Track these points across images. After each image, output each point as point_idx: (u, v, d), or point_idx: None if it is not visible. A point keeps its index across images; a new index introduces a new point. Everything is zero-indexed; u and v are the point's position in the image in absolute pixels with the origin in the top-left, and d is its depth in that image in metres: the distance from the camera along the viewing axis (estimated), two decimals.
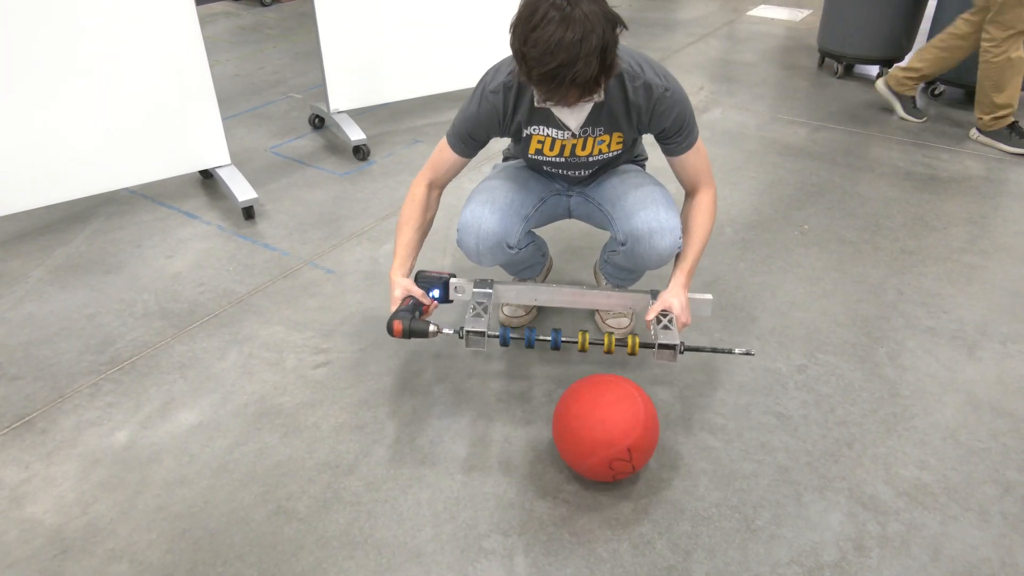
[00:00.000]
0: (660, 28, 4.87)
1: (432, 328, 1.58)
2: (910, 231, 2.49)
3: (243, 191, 2.54)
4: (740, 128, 3.31)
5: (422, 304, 1.67)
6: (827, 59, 4.08)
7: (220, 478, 1.55)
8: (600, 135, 1.61)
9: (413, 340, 1.84)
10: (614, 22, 1.29)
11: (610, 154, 1.67)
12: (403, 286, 1.65)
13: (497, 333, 1.62)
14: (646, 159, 1.88)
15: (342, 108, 3.09)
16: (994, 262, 2.31)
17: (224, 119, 2.62)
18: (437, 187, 1.73)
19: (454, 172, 1.71)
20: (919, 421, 1.70)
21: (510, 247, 1.69)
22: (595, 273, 2.14)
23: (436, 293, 1.73)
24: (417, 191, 1.70)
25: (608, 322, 1.97)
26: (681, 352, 1.54)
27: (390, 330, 1.58)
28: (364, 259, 2.33)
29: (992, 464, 1.59)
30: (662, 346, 1.54)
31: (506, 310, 2.02)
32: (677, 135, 1.59)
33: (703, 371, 1.85)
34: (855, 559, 1.39)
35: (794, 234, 2.47)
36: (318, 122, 3.31)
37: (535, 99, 1.42)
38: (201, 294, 2.16)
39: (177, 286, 2.19)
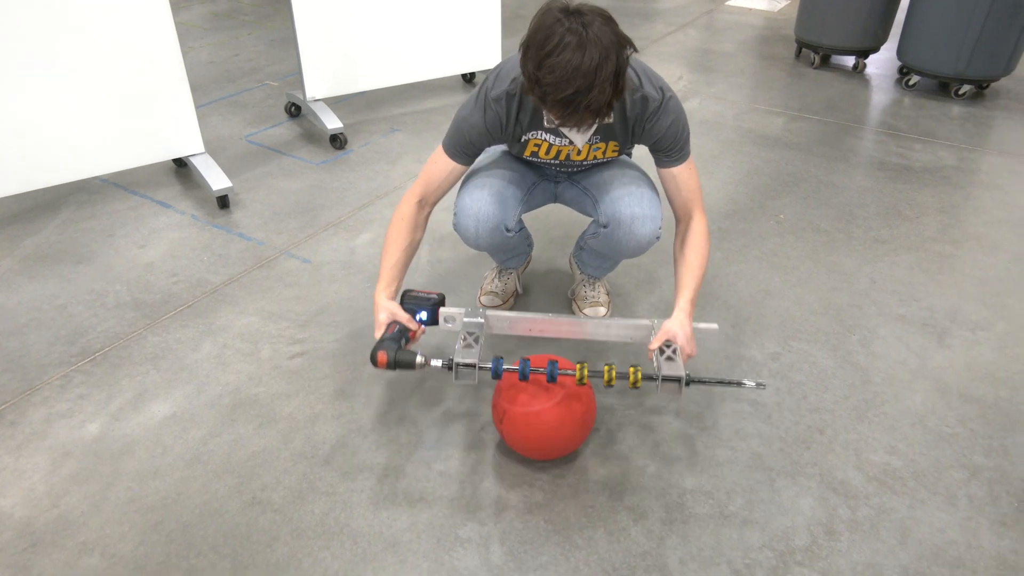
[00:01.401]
0: (639, 18, 4.87)
1: (419, 359, 1.48)
2: (883, 220, 2.52)
3: (217, 180, 2.51)
4: (717, 118, 3.32)
5: (408, 330, 1.56)
6: (804, 49, 4.11)
7: (194, 469, 1.54)
8: (596, 143, 1.62)
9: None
10: (625, 45, 1.28)
11: (603, 160, 1.69)
12: (388, 310, 1.56)
13: (489, 365, 1.47)
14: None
15: (319, 96, 3.05)
16: (964, 251, 2.35)
17: (198, 107, 2.58)
18: (428, 204, 1.67)
19: (449, 184, 1.66)
20: (889, 407, 1.73)
21: (508, 230, 1.70)
22: (570, 263, 2.14)
23: (424, 316, 1.62)
24: (406, 209, 1.63)
25: (585, 311, 1.98)
26: (687, 385, 1.43)
27: (374, 361, 1.48)
28: (341, 249, 2.32)
29: (959, 449, 1.62)
30: (666, 379, 1.42)
31: (484, 299, 2.01)
32: (670, 147, 1.57)
33: None
34: (826, 543, 1.41)
35: (770, 223, 2.49)
36: (294, 110, 3.28)
37: (545, 120, 1.40)
38: (175, 284, 2.13)
39: (150, 276, 2.16)
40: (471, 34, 3.32)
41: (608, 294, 2.02)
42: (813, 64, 4.00)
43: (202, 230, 2.40)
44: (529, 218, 2.15)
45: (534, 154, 1.66)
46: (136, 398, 1.72)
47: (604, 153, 1.65)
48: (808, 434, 1.65)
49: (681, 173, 1.61)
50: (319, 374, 1.80)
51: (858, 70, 3.95)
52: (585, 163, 1.69)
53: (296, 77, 3.05)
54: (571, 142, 1.58)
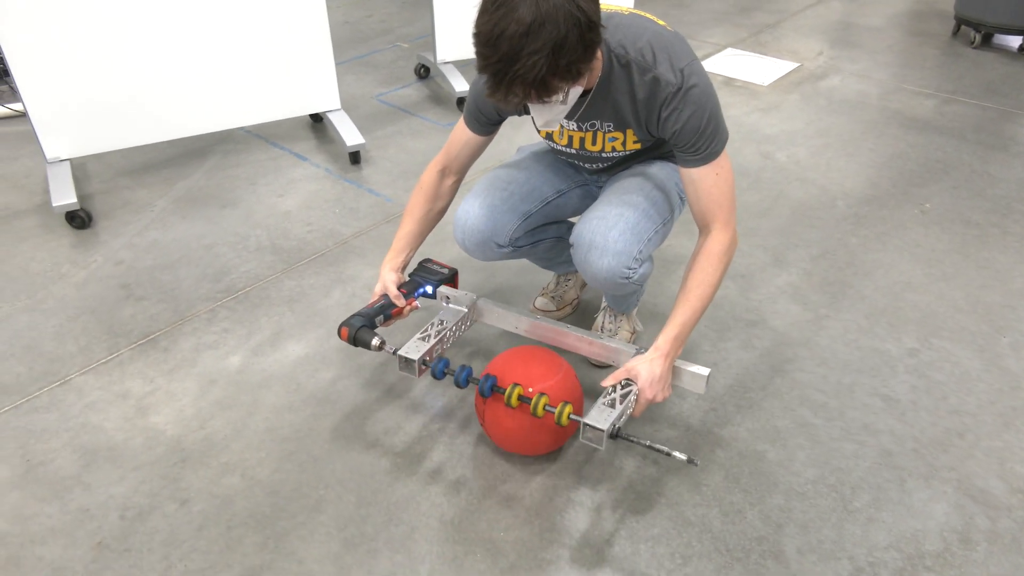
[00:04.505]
0: None
1: (375, 342, 1.48)
2: None
3: (352, 136, 2.60)
4: (860, 97, 3.12)
5: (392, 306, 1.56)
6: (963, 27, 3.77)
7: (324, 407, 1.63)
8: (610, 131, 1.43)
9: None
10: (583, 23, 1.09)
11: (626, 152, 1.49)
12: (384, 281, 1.57)
13: (430, 364, 1.47)
14: None
15: (448, 59, 3.09)
16: None
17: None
18: (451, 173, 1.60)
19: (469, 153, 1.58)
20: None
21: (500, 245, 1.56)
22: None
23: (428, 289, 1.64)
24: (426, 177, 1.59)
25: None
26: (612, 438, 1.30)
27: (339, 333, 1.52)
28: None
29: None
30: (588, 426, 1.30)
31: (538, 302, 1.90)
32: (690, 146, 1.32)
33: (805, 346, 1.79)
34: (960, 551, 1.33)
35: (913, 212, 2.33)
36: (424, 72, 3.34)
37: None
38: (309, 233, 2.24)
39: (287, 224, 2.29)
40: None
41: (633, 333, 1.79)
42: (972, 43, 3.66)
43: (335, 183, 2.51)
44: None
45: (549, 135, 1.52)
46: (274, 336, 1.84)
47: (624, 145, 1.45)
48: (946, 437, 1.55)
49: (704, 177, 1.35)
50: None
51: None
52: (605, 155, 1.49)
53: (427, 39, 3.10)
54: (579, 127, 1.42)
